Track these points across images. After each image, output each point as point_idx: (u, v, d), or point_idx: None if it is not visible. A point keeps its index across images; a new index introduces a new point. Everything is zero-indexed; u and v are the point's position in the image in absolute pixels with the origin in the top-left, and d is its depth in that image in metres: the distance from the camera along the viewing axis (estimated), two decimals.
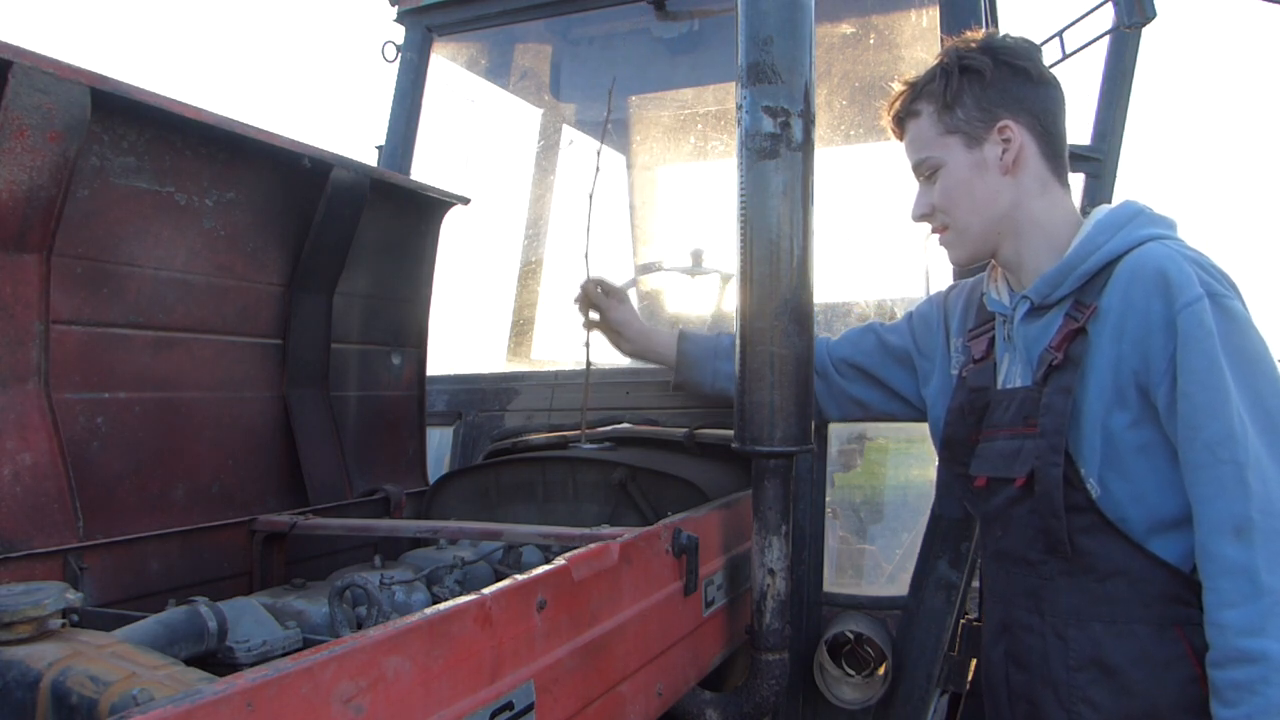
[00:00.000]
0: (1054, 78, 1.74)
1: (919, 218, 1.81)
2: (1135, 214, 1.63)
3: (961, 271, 2.03)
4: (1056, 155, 1.72)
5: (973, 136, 1.70)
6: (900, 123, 1.81)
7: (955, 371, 1.88)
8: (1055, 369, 1.59)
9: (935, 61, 1.76)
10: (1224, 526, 1.40)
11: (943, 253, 1.85)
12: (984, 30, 1.79)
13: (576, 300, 2.30)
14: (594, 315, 2.30)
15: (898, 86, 1.81)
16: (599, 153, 2.22)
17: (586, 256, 2.23)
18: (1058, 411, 1.55)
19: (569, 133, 3.71)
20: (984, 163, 1.69)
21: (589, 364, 2.26)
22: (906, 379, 2.03)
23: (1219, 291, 1.46)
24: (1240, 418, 1.41)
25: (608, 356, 2.49)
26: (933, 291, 2.14)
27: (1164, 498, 1.51)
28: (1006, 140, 1.68)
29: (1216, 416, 1.42)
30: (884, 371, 2.04)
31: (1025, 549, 1.64)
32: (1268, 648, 1.35)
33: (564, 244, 3.69)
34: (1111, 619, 1.54)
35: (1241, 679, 1.37)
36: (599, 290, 2.28)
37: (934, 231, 1.82)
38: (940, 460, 1.88)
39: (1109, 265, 1.58)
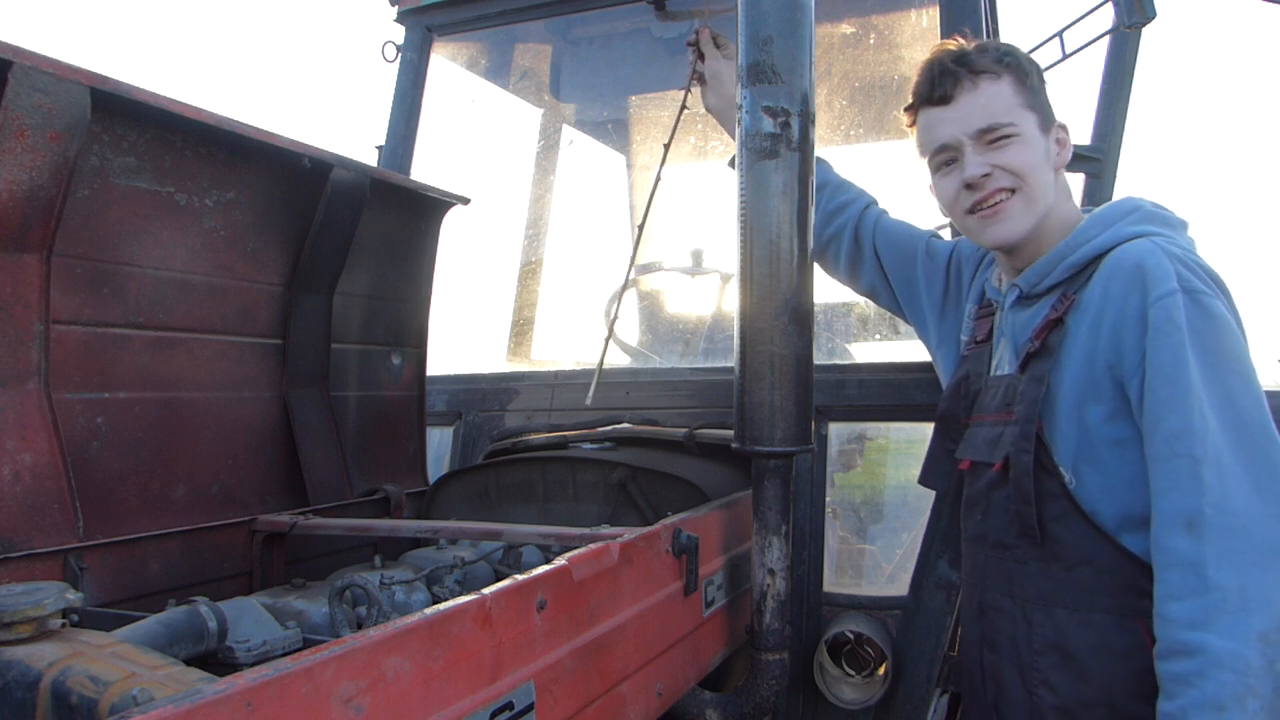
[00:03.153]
0: None
1: (982, 176, 1.65)
2: (1131, 210, 1.63)
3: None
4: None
5: (1045, 123, 1.69)
6: (974, 76, 1.66)
7: (964, 338, 1.90)
8: (1032, 358, 1.61)
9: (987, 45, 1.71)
10: (1176, 520, 1.41)
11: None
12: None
13: (689, 43, 2.27)
14: (700, 66, 2.25)
15: (956, 42, 1.72)
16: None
17: (687, 98, 2.24)
18: (1030, 399, 1.57)
19: (569, 133, 3.70)
20: (1048, 151, 1.69)
21: (614, 328, 2.26)
22: (915, 303, 2.04)
23: (1196, 288, 1.46)
24: (1201, 413, 1.41)
25: (611, 357, 2.48)
26: None
27: (1135, 493, 1.51)
28: (1060, 141, 1.70)
29: (1176, 410, 1.42)
30: (902, 286, 2.05)
31: (1001, 533, 1.67)
32: (1207, 641, 1.35)
33: (564, 244, 3.69)
34: (1075, 606, 1.56)
35: (1180, 671, 1.37)
36: (711, 38, 2.25)
37: (990, 198, 1.66)
38: (934, 431, 1.89)
39: (1097, 259, 1.59)
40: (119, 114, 1.54)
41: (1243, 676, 1.33)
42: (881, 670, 2.16)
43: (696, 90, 2.28)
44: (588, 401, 2.15)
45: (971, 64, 1.66)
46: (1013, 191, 1.65)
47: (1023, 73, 1.67)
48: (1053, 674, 1.57)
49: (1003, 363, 1.74)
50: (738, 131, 1.66)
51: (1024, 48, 1.76)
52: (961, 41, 1.72)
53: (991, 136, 1.65)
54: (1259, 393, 1.44)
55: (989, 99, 1.65)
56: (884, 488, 2.55)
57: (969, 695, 1.80)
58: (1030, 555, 1.62)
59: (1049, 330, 1.60)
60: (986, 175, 1.64)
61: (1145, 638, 1.50)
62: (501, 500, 2.20)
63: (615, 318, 2.31)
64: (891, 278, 2.05)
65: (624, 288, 2.39)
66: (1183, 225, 1.64)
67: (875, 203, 2.12)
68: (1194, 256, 1.52)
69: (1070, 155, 1.71)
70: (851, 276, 2.12)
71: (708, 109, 2.28)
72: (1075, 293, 1.59)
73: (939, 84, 1.68)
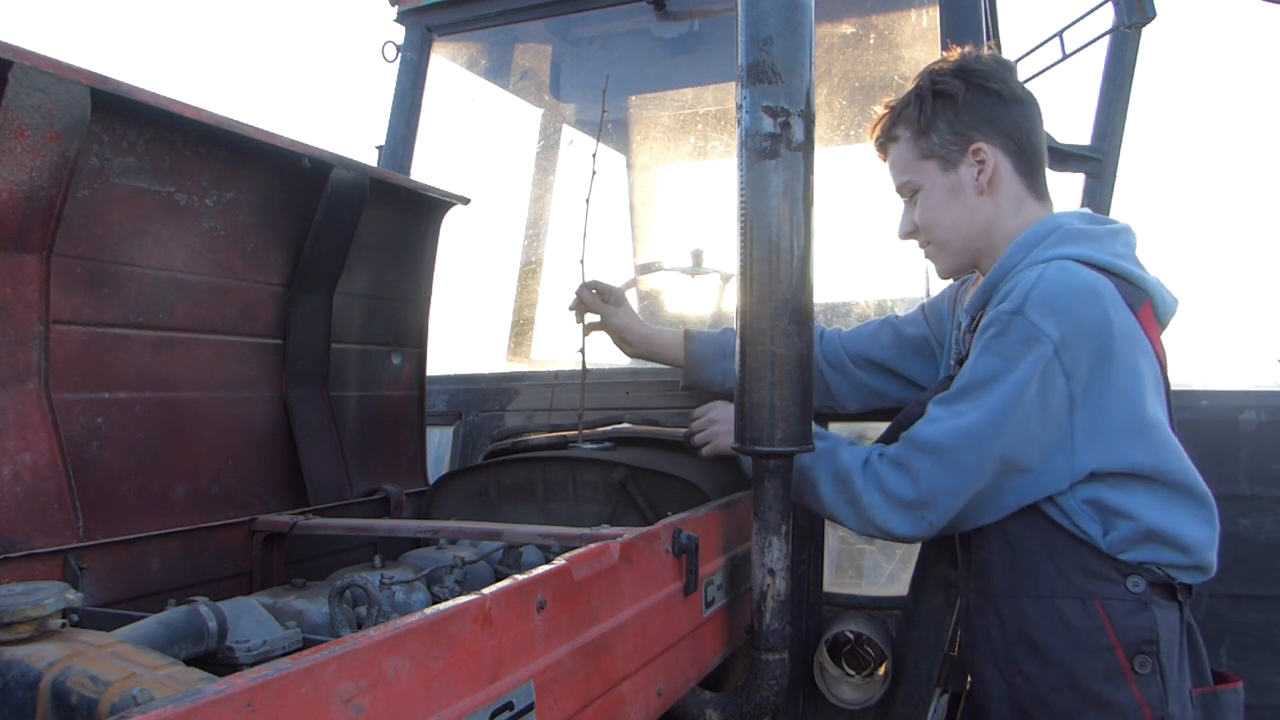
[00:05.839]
0: (1028, 95, 1.78)
1: (904, 236, 1.89)
2: (1049, 231, 1.67)
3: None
4: (1033, 171, 1.76)
5: (948, 160, 1.75)
6: (882, 147, 1.88)
7: (952, 362, 1.94)
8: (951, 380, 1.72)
9: (911, 85, 1.81)
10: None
11: None
12: (960, 50, 1.82)
13: (572, 307, 2.28)
14: (593, 319, 2.28)
15: (879, 110, 1.87)
16: (594, 156, 2.19)
17: (582, 262, 2.19)
18: None
19: (569, 133, 3.71)
20: (960, 184, 1.75)
21: (584, 369, 2.25)
22: (925, 368, 2.09)
23: (1030, 318, 1.53)
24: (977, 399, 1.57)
25: (608, 357, 2.48)
26: (933, 291, 2.17)
27: (1061, 471, 1.59)
28: (980, 162, 1.73)
29: (963, 376, 1.61)
30: (902, 364, 2.10)
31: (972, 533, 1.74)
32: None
33: (564, 244, 3.70)
34: (1037, 594, 1.62)
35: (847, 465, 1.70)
36: (595, 295, 2.24)
37: (920, 247, 1.89)
38: None
39: None
40: (119, 114, 1.54)
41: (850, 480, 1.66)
42: (881, 670, 2.16)
43: None
44: (580, 444, 2.18)
45: (879, 136, 1.86)
46: (929, 242, 1.84)
47: (922, 123, 1.76)
48: (1025, 664, 1.63)
49: None
50: (737, 131, 1.66)
51: (1024, 48, 1.78)
52: (885, 107, 1.87)
53: (904, 193, 1.85)
54: (998, 421, 1.56)
55: (894, 161, 1.85)
56: None
57: (968, 697, 1.84)
58: (993, 552, 1.69)
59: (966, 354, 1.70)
60: (910, 233, 1.87)
61: (1103, 618, 1.56)
62: (501, 500, 2.20)
63: (586, 338, 2.29)
64: (896, 367, 2.11)
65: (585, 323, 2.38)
66: (1110, 235, 1.67)
67: (824, 328, 2.21)
68: (1081, 284, 1.56)
69: (993, 168, 1.73)
70: (843, 399, 2.18)
71: (631, 357, 2.33)
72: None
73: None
